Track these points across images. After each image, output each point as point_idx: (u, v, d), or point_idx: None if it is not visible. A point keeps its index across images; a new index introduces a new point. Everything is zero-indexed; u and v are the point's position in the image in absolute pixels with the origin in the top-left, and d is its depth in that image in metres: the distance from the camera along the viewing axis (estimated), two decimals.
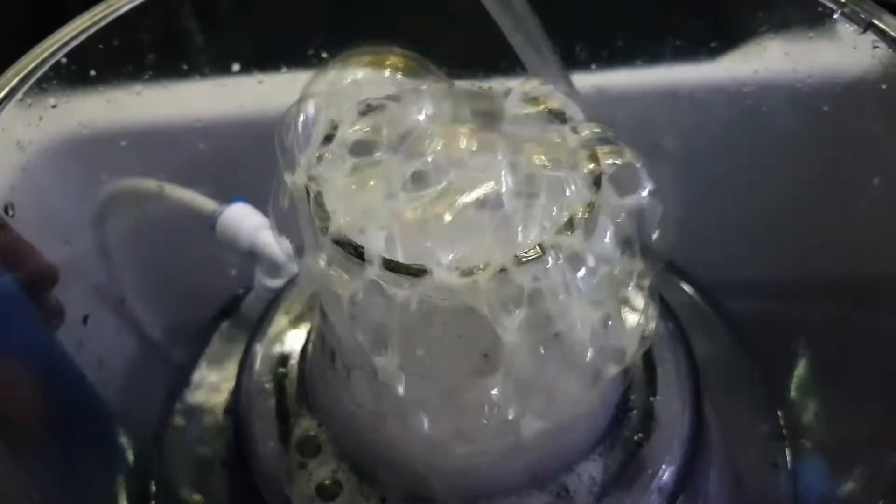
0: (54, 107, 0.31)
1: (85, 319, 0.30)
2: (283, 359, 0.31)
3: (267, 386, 0.30)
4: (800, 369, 0.34)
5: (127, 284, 0.34)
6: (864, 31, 0.29)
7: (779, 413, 0.34)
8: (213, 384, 0.35)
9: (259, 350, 0.31)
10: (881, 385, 0.29)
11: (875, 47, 0.29)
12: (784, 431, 0.34)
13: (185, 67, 0.37)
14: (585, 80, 0.39)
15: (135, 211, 0.36)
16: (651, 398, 0.30)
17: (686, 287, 0.39)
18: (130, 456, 0.33)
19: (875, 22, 0.28)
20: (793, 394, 0.34)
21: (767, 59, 0.35)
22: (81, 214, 0.34)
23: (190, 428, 0.34)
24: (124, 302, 0.34)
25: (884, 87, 0.29)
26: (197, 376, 0.36)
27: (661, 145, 0.40)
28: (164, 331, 0.36)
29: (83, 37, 0.32)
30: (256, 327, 0.32)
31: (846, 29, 0.30)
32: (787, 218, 0.35)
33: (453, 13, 0.36)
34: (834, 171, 0.33)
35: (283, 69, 0.40)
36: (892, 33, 0.27)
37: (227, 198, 0.37)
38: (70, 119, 0.33)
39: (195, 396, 0.35)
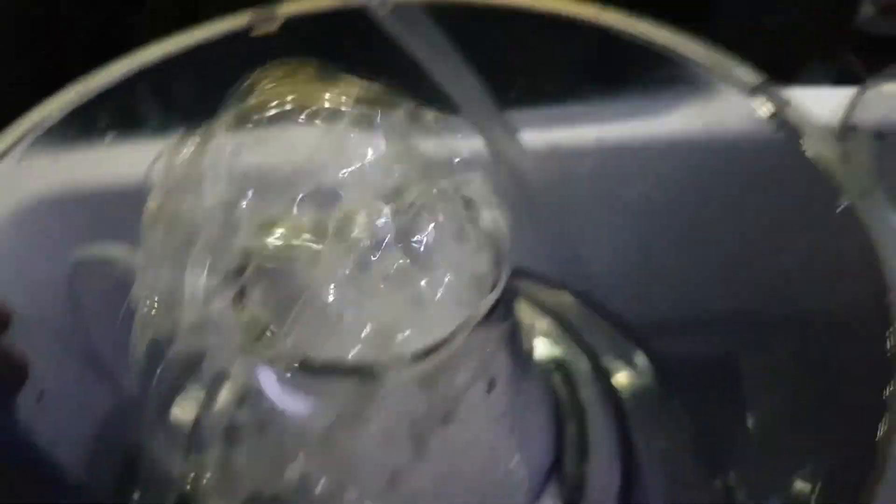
0: (22, 168, 0.32)
1: (40, 396, 0.30)
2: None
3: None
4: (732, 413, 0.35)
5: (86, 356, 0.35)
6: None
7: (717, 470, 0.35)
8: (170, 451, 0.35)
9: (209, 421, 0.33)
10: (802, 416, 0.31)
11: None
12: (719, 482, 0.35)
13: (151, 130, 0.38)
14: (541, 138, 0.41)
15: (102, 277, 0.36)
16: (583, 466, 0.32)
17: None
18: None
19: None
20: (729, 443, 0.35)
21: (711, 116, 0.36)
22: (45, 281, 0.34)
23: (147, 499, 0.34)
24: (83, 374, 0.34)
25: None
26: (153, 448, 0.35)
27: (607, 198, 0.41)
28: (122, 404, 0.36)
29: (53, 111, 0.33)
30: (206, 399, 0.33)
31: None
32: (721, 260, 0.36)
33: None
34: (760, 221, 0.34)
35: None
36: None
37: None
38: (37, 181, 0.34)
39: (152, 469, 0.34)
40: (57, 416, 0.31)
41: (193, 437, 0.32)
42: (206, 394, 0.33)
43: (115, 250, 0.37)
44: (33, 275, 0.34)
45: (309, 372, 0.22)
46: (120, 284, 0.37)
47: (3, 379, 0.29)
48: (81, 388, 0.35)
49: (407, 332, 0.22)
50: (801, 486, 0.30)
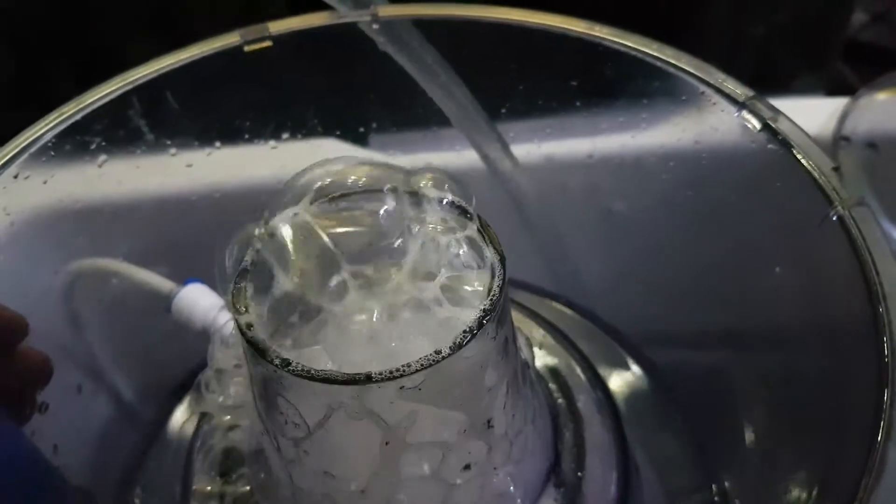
0: (17, 184, 0.32)
1: (42, 407, 0.30)
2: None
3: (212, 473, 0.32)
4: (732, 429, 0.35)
5: (85, 368, 0.35)
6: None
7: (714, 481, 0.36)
8: (168, 466, 0.34)
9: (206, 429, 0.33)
10: (797, 423, 0.31)
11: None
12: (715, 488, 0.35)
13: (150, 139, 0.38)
14: (538, 151, 0.41)
15: (95, 291, 0.37)
16: (579, 473, 0.32)
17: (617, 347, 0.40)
18: None
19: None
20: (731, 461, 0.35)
21: (703, 127, 0.36)
22: (41, 295, 0.35)
23: None
24: (81, 388, 0.34)
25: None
26: (152, 459, 0.35)
27: (601, 209, 0.41)
28: (121, 414, 0.37)
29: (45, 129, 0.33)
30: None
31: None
32: (714, 270, 0.37)
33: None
34: (752, 231, 0.34)
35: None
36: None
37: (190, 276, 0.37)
38: (33, 196, 0.34)
39: (151, 479, 0.35)
40: (57, 425, 0.31)
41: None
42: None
43: (111, 264, 0.38)
44: (30, 289, 0.34)
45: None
46: (117, 297, 0.38)
47: (33, 376, 0.30)
48: (81, 398, 0.35)
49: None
50: (796, 492, 0.30)
